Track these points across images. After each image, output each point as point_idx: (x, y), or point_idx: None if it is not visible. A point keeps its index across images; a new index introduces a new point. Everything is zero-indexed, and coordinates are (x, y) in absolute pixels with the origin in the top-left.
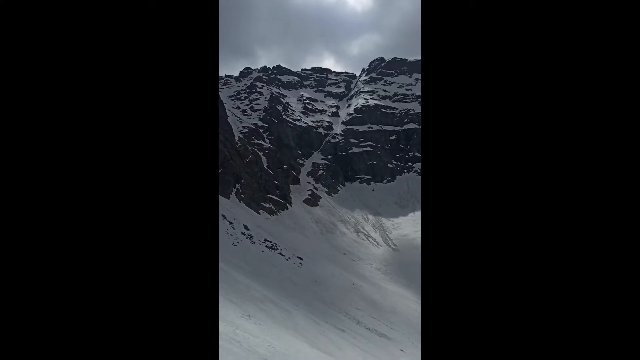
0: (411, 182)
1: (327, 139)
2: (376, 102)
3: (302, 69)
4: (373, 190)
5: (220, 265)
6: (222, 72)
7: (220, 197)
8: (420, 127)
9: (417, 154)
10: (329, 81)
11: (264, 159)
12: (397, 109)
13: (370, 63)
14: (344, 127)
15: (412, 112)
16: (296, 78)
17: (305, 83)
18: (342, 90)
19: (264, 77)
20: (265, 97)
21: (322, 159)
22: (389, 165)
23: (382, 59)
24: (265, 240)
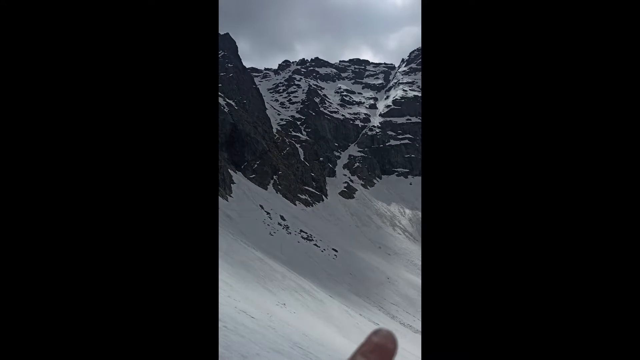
0: None
1: (364, 132)
2: (415, 93)
3: (339, 61)
4: (410, 184)
5: (258, 254)
6: (261, 66)
7: (258, 187)
8: None
9: None
10: (367, 72)
11: (301, 151)
12: None
13: (410, 53)
14: (382, 119)
15: None
16: (334, 70)
17: (343, 75)
18: (380, 81)
19: (302, 69)
20: (303, 90)
21: (359, 151)
22: None
23: None
24: (301, 231)
